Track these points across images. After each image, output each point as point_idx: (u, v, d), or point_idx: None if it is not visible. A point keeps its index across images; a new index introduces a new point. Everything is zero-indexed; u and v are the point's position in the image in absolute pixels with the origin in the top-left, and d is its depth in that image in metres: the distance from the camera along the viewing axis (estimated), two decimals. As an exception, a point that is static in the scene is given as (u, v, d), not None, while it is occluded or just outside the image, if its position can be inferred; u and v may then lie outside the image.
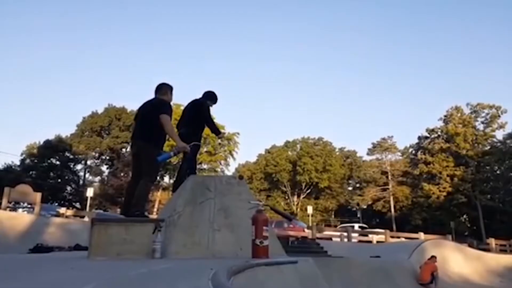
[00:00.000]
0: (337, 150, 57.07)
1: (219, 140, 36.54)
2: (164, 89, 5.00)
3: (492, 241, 23.35)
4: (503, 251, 22.78)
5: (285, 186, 53.40)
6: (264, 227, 4.00)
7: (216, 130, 6.45)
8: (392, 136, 53.29)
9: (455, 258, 16.83)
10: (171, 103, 5.06)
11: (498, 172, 45.76)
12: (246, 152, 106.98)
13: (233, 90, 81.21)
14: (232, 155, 43.99)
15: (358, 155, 58.40)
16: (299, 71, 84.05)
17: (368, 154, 54.90)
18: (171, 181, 48.04)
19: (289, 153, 55.78)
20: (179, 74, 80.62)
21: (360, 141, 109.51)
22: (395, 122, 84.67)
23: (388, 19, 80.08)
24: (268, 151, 56.97)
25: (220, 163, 43.72)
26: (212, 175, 26.43)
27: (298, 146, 56.21)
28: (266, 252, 3.92)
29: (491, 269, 16.56)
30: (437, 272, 11.87)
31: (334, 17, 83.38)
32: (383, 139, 52.82)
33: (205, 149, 42.06)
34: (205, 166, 42.94)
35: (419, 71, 78.18)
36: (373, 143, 53.46)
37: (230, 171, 46.33)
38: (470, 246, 21.74)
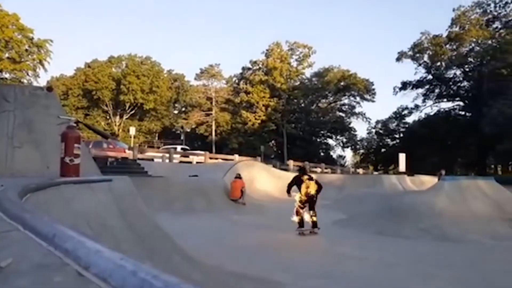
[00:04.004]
0: (165, 72, 55.83)
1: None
2: None
3: (291, 162, 27.84)
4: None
5: (106, 105, 50.16)
6: (76, 145, 3.68)
7: None
8: (219, 64, 55.06)
9: (262, 176, 19.47)
10: None
11: (302, 105, 53.23)
12: (61, 63, 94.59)
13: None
14: (42, 65, 37.85)
15: (186, 79, 58.57)
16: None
17: (195, 79, 55.62)
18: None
19: (113, 70, 51.82)
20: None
21: (189, 65, 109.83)
22: (223, 50, 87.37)
23: None
24: (88, 65, 51.55)
25: (27, 74, 37.39)
26: (11, 84, 22.27)
27: (123, 63, 52.49)
28: (77, 170, 3.66)
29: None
30: (245, 188, 13.50)
31: None
32: (211, 65, 53.97)
33: (6, 55, 35.11)
34: (6, 75, 36.06)
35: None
36: (201, 69, 54.19)
37: (40, 83, 40.26)
38: (274, 166, 25.38)
